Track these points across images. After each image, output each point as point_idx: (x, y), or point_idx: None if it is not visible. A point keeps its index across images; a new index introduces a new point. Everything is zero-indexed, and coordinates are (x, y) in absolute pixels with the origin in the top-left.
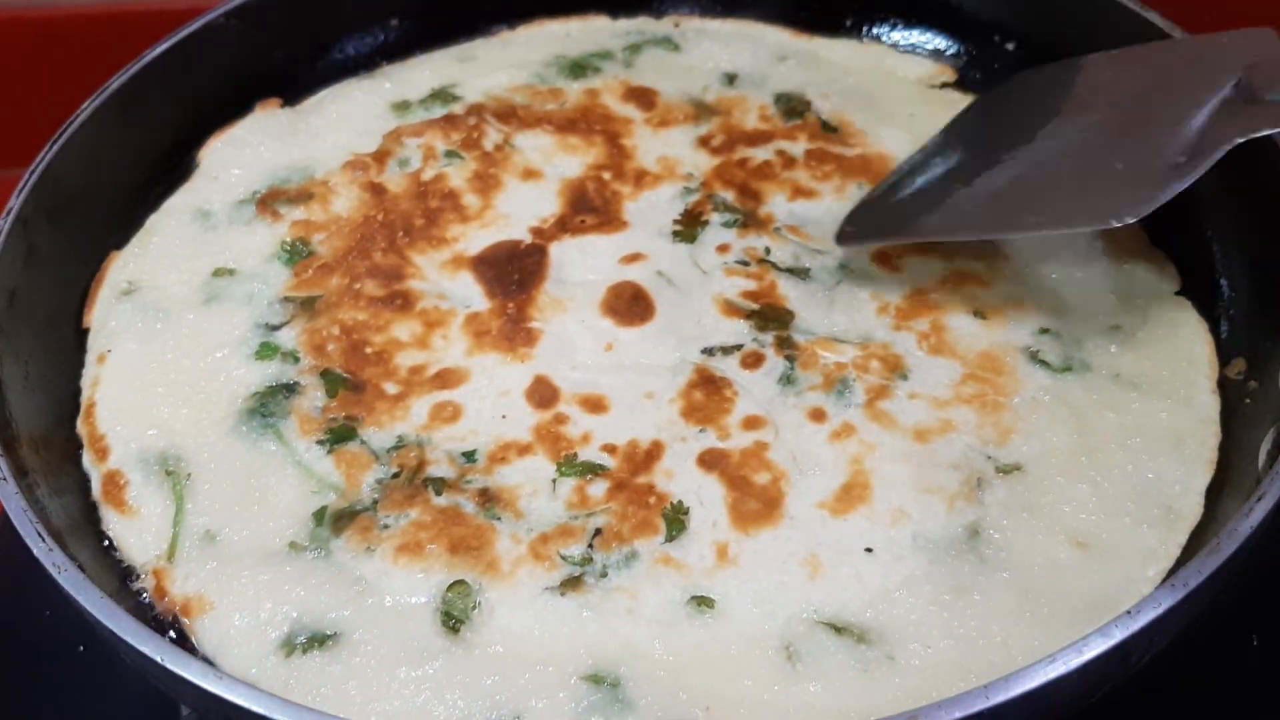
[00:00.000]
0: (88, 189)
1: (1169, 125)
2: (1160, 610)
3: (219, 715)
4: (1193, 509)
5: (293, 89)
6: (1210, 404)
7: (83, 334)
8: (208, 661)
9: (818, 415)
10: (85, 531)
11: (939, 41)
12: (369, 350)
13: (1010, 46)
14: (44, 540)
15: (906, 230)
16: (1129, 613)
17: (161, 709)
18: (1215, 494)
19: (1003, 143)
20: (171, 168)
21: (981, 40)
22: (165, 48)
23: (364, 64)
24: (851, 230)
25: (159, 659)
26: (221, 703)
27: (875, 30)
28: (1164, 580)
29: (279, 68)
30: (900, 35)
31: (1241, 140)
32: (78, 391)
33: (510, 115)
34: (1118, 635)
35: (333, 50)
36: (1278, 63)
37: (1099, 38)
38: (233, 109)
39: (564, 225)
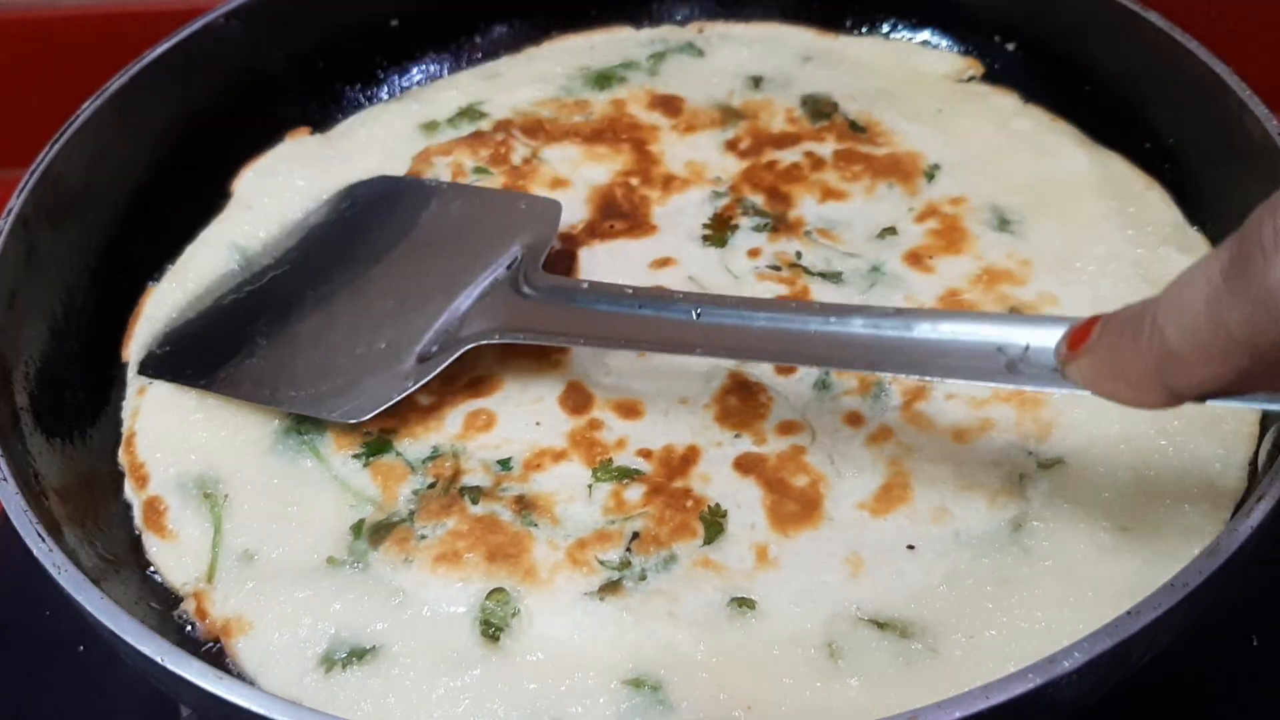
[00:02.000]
0: (88, 189)
1: (440, 301)
2: (1160, 611)
3: (219, 716)
4: (1235, 482)
5: (295, 90)
6: None
7: (87, 342)
8: (250, 682)
9: (854, 419)
10: (129, 561)
11: (938, 41)
12: None
13: (1010, 47)
14: (44, 540)
15: (203, 379)
16: (1129, 613)
17: (161, 709)
18: (1256, 465)
19: (311, 282)
20: (173, 169)
21: (982, 41)
22: (165, 48)
23: (365, 65)
24: (157, 355)
25: (159, 659)
26: (221, 703)
27: (877, 30)
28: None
29: (280, 69)
30: (900, 35)
31: (474, 345)
32: (94, 410)
33: (537, 129)
34: (1118, 635)
35: (333, 51)
36: (539, 251)
37: (1098, 39)
38: (234, 110)
39: (593, 231)
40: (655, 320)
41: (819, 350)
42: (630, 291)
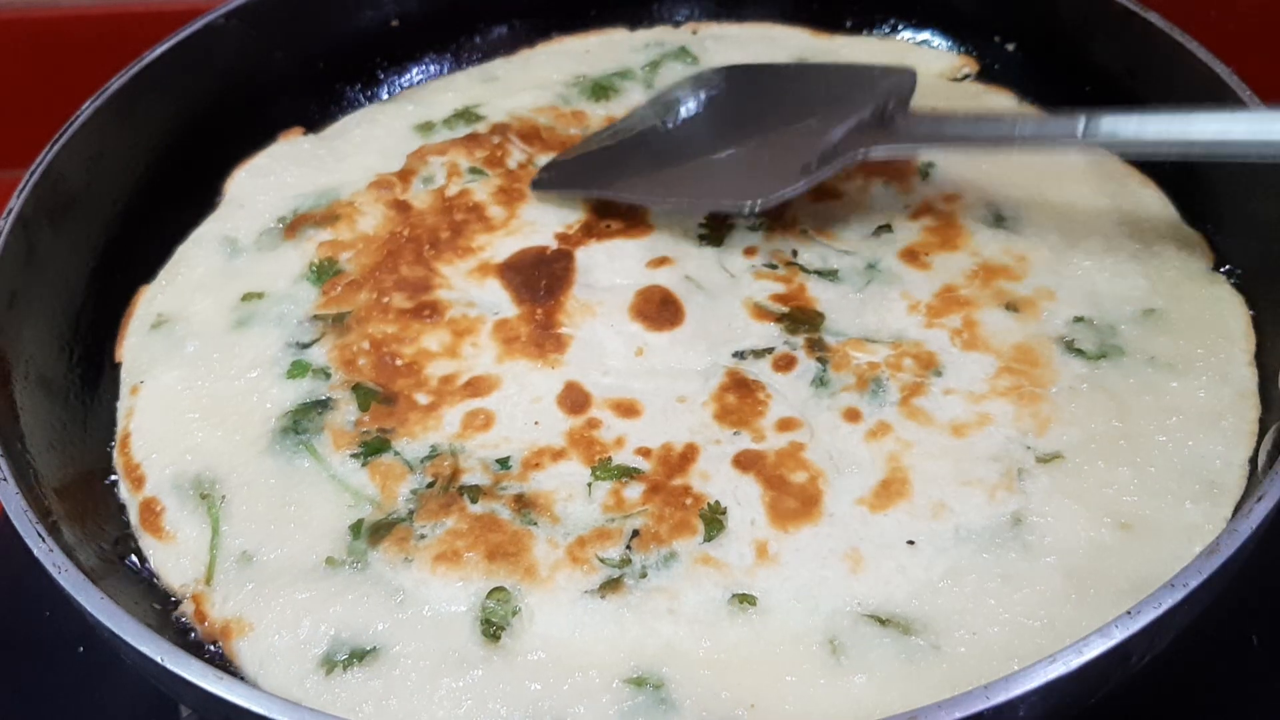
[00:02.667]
0: (89, 189)
1: (815, 135)
2: (1160, 611)
3: (218, 715)
4: (1235, 481)
5: (294, 90)
6: (1248, 377)
7: (86, 342)
8: (249, 683)
9: (852, 415)
10: (126, 562)
11: (939, 42)
12: (399, 362)
13: (1010, 47)
14: (44, 540)
15: (590, 184)
16: (1129, 613)
17: (161, 709)
18: (1256, 463)
19: (695, 126)
20: (173, 168)
21: (981, 41)
22: (166, 48)
23: (364, 66)
24: (546, 177)
25: (158, 659)
26: (220, 703)
27: (876, 32)
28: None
29: (279, 69)
30: (901, 36)
31: (859, 157)
32: (91, 409)
33: (534, 137)
34: (1118, 636)
35: (333, 52)
36: (906, 96)
37: (1098, 39)
38: (234, 110)
39: (589, 230)
40: (1037, 136)
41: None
42: (1009, 117)
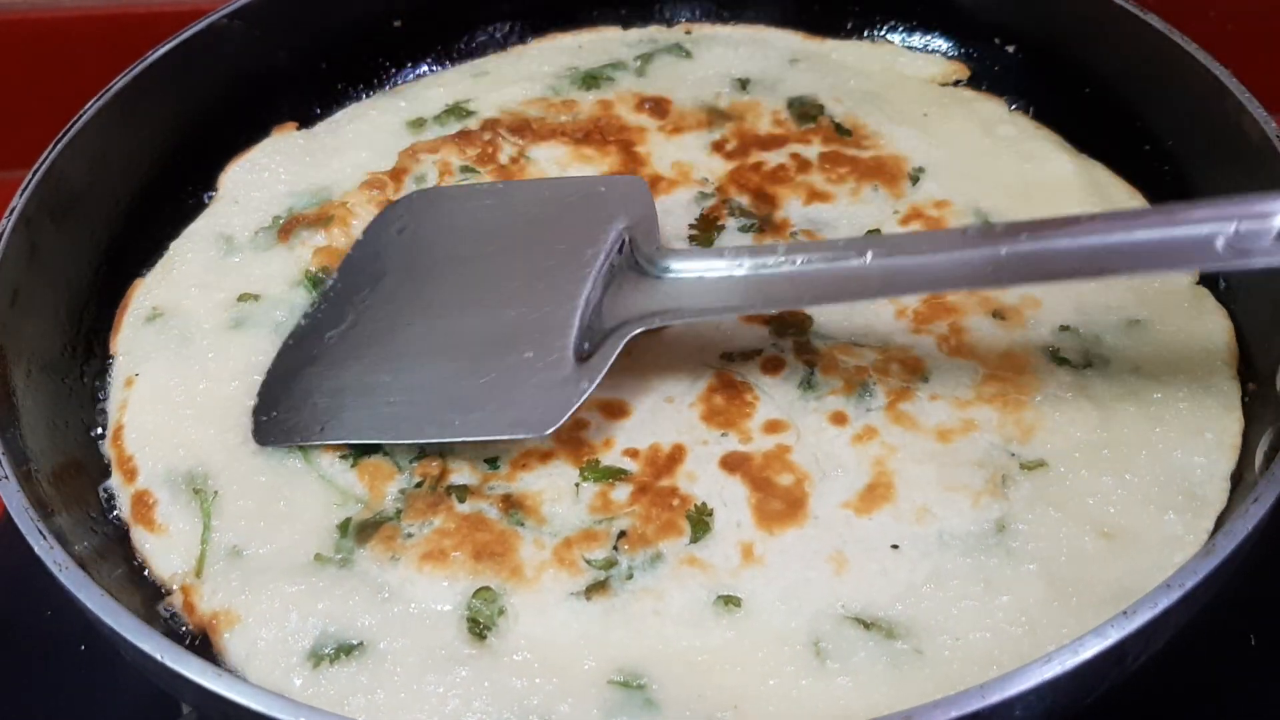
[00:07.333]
0: (91, 189)
1: (566, 300)
2: (1156, 611)
3: (218, 713)
4: (1217, 494)
5: (296, 90)
6: (1230, 390)
7: (88, 339)
8: (235, 674)
9: (839, 419)
10: (115, 552)
11: (940, 44)
12: None
13: (1011, 49)
14: (44, 538)
15: (325, 430)
16: (1125, 613)
17: (162, 709)
18: (1238, 479)
19: (409, 310)
20: (175, 169)
21: (982, 43)
22: (168, 49)
23: (367, 65)
24: (265, 421)
25: (158, 656)
26: (220, 700)
27: (876, 34)
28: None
29: (282, 69)
30: (901, 39)
31: (635, 334)
32: (88, 404)
33: (524, 128)
34: (1114, 636)
35: (335, 52)
36: (650, 228)
37: (1098, 41)
38: (236, 110)
39: None
40: (821, 273)
41: (1028, 268)
42: (781, 248)
